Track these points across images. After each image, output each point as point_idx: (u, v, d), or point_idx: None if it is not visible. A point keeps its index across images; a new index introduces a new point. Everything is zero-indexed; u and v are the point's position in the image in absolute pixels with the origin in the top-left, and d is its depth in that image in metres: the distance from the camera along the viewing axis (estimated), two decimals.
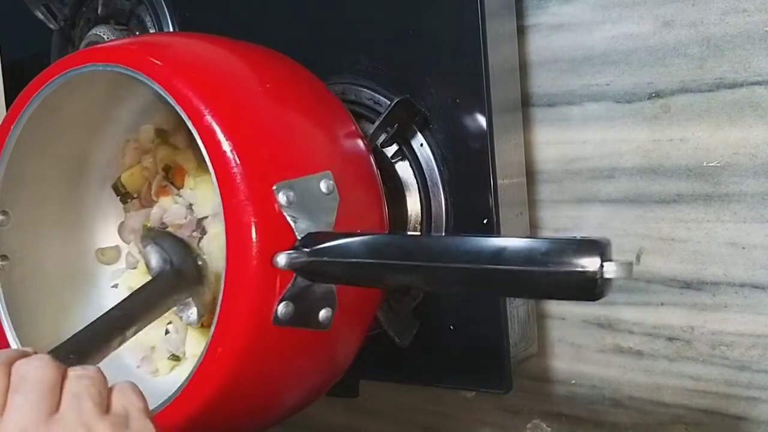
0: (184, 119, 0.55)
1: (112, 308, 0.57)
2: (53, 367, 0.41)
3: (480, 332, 0.67)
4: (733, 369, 0.65)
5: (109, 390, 0.43)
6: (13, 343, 0.65)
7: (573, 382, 0.73)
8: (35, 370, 0.40)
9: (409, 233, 0.58)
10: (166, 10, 0.85)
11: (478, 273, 0.48)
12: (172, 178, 0.71)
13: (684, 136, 0.65)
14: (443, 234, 0.68)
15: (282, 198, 0.54)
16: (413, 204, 0.70)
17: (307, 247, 0.53)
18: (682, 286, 0.66)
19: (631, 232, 0.68)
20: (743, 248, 0.63)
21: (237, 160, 0.53)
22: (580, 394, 0.73)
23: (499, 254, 0.47)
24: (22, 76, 0.98)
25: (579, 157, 0.70)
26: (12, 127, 0.65)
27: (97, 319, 0.55)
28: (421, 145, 0.69)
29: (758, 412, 0.64)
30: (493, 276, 0.48)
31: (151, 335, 0.69)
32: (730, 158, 0.63)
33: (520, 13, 0.70)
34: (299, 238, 0.54)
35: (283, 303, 0.54)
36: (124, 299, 0.59)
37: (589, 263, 0.44)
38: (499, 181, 0.66)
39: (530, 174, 0.72)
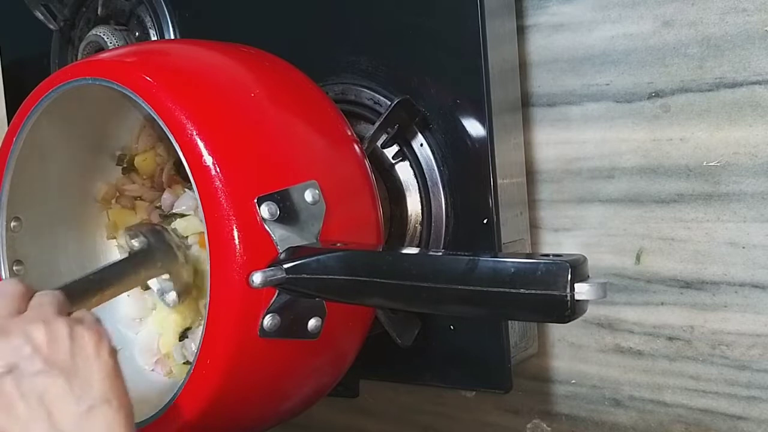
0: (168, 134, 0.55)
1: (91, 272, 0.60)
2: (24, 285, 0.50)
3: (480, 332, 0.67)
4: (733, 369, 0.65)
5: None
6: None
7: (573, 382, 0.73)
8: (9, 286, 0.50)
9: (382, 250, 0.58)
10: (165, 10, 0.85)
11: (446, 293, 0.48)
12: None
13: (684, 135, 0.65)
14: (439, 245, 0.69)
15: (264, 211, 0.54)
16: (413, 204, 0.70)
17: (285, 263, 0.54)
18: (682, 286, 0.66)
19: (631, 232, 0.68)
20: (743, 248, 0.64)
21: (219, 174, 0.54)
22: (580, 394, 0.73)
23: (468, 274, 0.47)
24: (22, 76, 0.98)
25: (579, 157, 0.70)
26: (15, 138, 0.65)
27: (77, 279, 0.59)
28: (421, 145, 0.69)
29: (758, 412, 0.64)
30: (462, 297, 0.47)
31: (167, 342, 0.70)
32: (730, 158, 0.63)
33: (520, 13, 0.70)
34: (281, 251, 0.54)
35: (269, 315, 0.54)
36: (103, 266, 0.63)
37: (559, 285, 0.43)
38: (499, 181, 0.66)
39: (530, 174, 0.72)
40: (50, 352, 0.46)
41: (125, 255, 0.67)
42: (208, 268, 0.54)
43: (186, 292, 0.67)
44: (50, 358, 0.46)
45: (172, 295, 0.67)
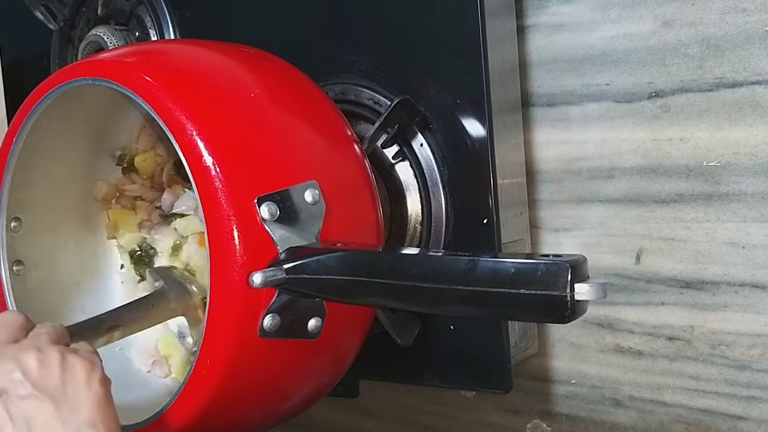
0: (168, 135, 0.55)
1: (103, 313, 0.61)
2: (24, 317, 0.52)
3: (480, 332, 0.67)
4: (733, 369, 0.65)
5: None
6: None
7: (573, 382, 0.73)
8: (9, 316, 0.51)
9: (382, 250, 0.59)
10: (165, 10, 0.85)
11: (446, 293, 0.48)
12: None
13: (684, 135, 0.65)
14: (439, 245, 0.69)
15: (264, 211, 0.54)
16: (413, 204, 0.70)
17: (285, 264, 0.54)
18: (682, 286, 0.66)
19: (631, 232, 0.68)
20: (743, 248, 0.63)
21: (219, 174, 0.54)
22: (580, 394, 0.73)
23: (468, 274, 0.47)
24: (22, 76, 0.98)
25: (579, 157, 0.70)
26: (15, 138, 0.65)
27: (88, 319, 0.59)
28: (421, 145, 0.69)
29: (758, 411, 0.64)
30: (462, 297, 0.47)
31: (167, 343, 0.71)
32: (730, 158, 0.63)
33: (520, 13, 0.70)
34: (281, 251, 0.54)
35: (269, 315, 0.54)
36: (119, 307, 0.64)
37: (559, 285, 0.43)
38: (499, 181, 0.66)
39: (530, 174, 0.72)
40: (40, 377, 0.47)
41: (139, 296, 0.67)
42: (208, 268, 0.54)
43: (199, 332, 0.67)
44: (40, 384, 0.47)
45: (190, 340, 0.68)
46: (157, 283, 0.66)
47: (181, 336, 0.69)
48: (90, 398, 0.48)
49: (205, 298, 0.64)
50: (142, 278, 0.74)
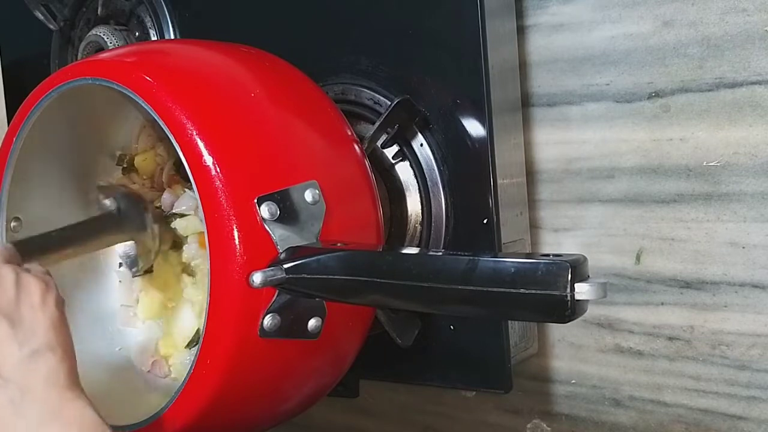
0: (168, 134, 0.55)
1: (53, 230, 0.60)
2: None
3: (480, 332, 0.67)
4: (733, 369, 0.65)
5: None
6: None
7: (573, 382, 0.73)
8: None
9: (382, 250, 0.59)
10: (165, 10, 0.85)
11: (447, 293, 0.48)
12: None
13: (684, 135, 0.65)
14: (439, 245, 0.69)
15: (264, 211, 0.54)
16: (413, 204, 0.70)
17: (285, 263, 0.54)
18: (682, 286, 0.66)
19: (631, 232, 0.68)
20: (743, 248, 0.63)
21: (219, 174, 0.54)
22: (580, 394, 0.73)
23: (468, 274, 0.47)
24: (22, 76, 0.98)
25: (579, 157, 0.70)
26: (15, 138, 0.65)
27: (37, 235, 0.59)
28: (421, 145, 0.69)
29: (758, 412, 0.64)
30: (462, 297, 0.47)
31: (167, 343, 0.71)
32: (730, 158, 0.63)
33: (520, 13, 0.70)
34: (281, 251, 0.54)
35: (269, 315, 0.54)
36: (68, 226, 0.63)
37: (559, 285, 0.43)
38: (499, 181, 0.66)
39: (530, 174, 0.72)
40: None
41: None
42: (208, 268, 0.54)
43: (147, 261, 0.67)
44: None
45: (137, 266, 0.67)
46: (106, 201, 0.65)
47: (130, 263, 0.68)
48: (46, 319, 0.47)
49: (159, 225, 0.65)
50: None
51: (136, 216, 0.65)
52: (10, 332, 0.46)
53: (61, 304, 0.49)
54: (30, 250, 0.55)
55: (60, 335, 0.47)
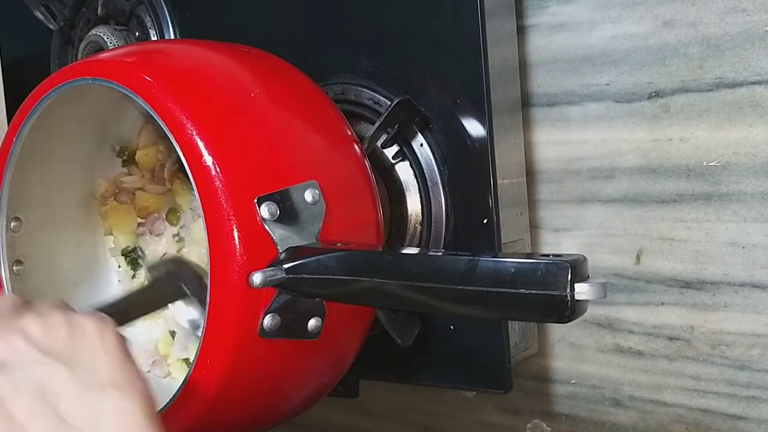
0: (168, 134, 0.55)
1: (108, 303, 0.60)
2: (20, 299, 0.48)
3: (480, 332, 0.67)
4: (733, 369, 0.65)
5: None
6: None
7: (573, 382, 0.73)
8: (6, 298, 0.48)
9: (382, 250, 0.58)
10: (165, 10, 0.85)
11: (446, 293, 0.48)
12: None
13: (684, 135, 0.65)
14: (439, 245, 0.68)
15: (264, 211, 0.54)
16: (413, 204, 0.70)
17: (285, 263, 0.54)
18: (682, 286, 0.66)
19: (631, 232, 0.68)
20: (743, 248, 0.64)
21: (219, 174, 0.54)
22: (580, 394, 0.73)
23: (468, 274, 0.47)
24: (22, 76, 0.98)
25: (579, 157, 0.70)
26: (15, 138, 0.65)
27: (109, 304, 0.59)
28: (421, 145, 0.69)
29: (758, 412, 0.64)
30: (462, 297, 0.47)
31: (166, 343, 0.71)
32: (730, 158, 0.63)
33: (520, 13, 0.70)
34: (281, 251, 0.54)
35: (269, 315, 0.54)
36: (119, 298, 0.64)
37: (559, 285, 0.43)
38: (499, 181, 0.66)
39: (530, 174, 0.72)
40: (46, 341, 0.42)
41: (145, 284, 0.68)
42: (208, 268, 0.54)
43: None
44: (46, 348, 0.42)
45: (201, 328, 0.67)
46: (152, 273, 0.65)
47: (194, 327, 0.68)
48: (107, 357, 0.43)
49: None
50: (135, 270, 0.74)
51: (187, 272, 0.65)
52: (68, 375, 0.41)
53: (121, 340, 0.45)
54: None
55: (126, 371, 0.43)
